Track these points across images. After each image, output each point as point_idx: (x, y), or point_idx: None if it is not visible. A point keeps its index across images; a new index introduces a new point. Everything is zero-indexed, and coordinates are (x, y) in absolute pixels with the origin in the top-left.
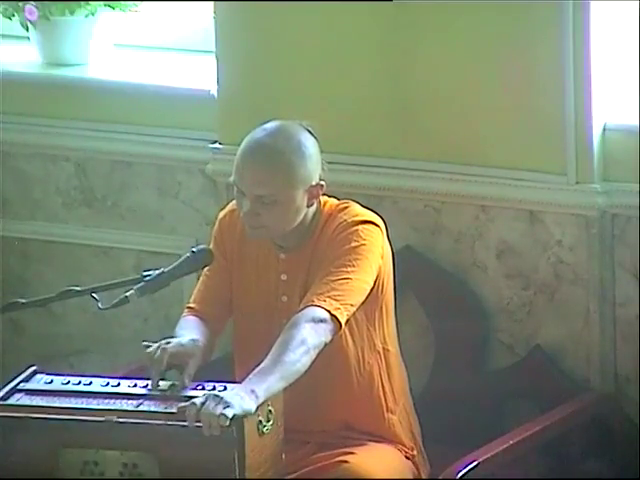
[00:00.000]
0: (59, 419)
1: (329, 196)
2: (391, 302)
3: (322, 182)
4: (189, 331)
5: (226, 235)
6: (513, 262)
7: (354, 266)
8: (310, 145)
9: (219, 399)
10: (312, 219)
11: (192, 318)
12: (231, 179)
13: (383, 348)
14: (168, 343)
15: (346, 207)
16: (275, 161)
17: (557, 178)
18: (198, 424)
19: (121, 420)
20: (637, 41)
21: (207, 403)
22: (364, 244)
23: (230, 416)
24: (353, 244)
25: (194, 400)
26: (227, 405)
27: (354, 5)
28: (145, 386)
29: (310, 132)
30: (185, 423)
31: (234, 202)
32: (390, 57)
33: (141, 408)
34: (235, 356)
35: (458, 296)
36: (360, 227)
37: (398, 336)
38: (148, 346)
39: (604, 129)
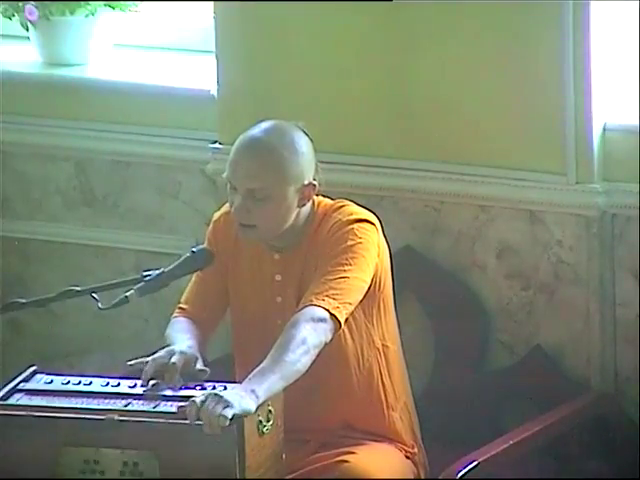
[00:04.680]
0: (59, 417)
1: (324, 196)
2: (390, 299)
3: (315, 182)
4: (181, 334)
5: (220, 236)
6: (513, 262)
7: (351, 264)
8: (303, 143)
9: (219, 398)
10: (306, 219)
11: (183, 319)
12: (224, 175)
13: (382, 345)
14: (172, 355)
15: (341, 206)
16: (267, 155)
17: (557, 178)
18: (198, 422)
19: (122, 419)
20: (637, 41)
21: (207, 402)
22: (360, 242)
23: (230, 416)
24: (349, 243)
25: (194, 399)
26: (227, 405)
27: (354, 5)
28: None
29: (305, 132)
30: (186, 421)
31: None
32: (390, 57)
33: (142, 408)
34: (235, 357)
35: (458, 296)
36: (355, 226)
37: (399, 334)
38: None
39: (604, 129)
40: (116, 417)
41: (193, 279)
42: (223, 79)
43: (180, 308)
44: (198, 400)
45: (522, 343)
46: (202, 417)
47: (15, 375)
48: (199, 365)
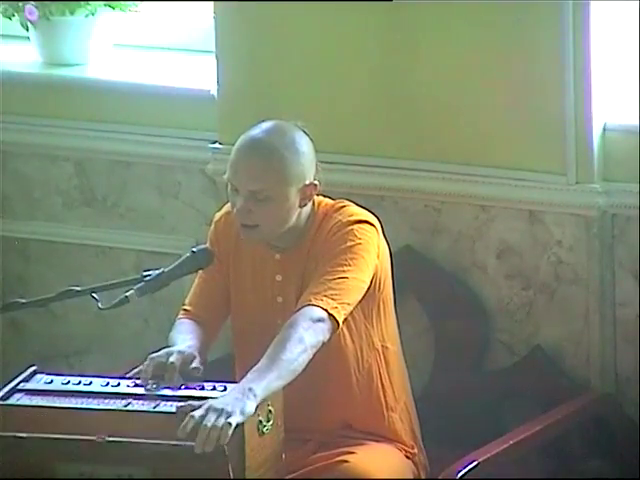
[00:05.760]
0: (50, 439)
1: (325, 196)
2: (390, 300)
3: (316, 182)
4: (183, 335)
5: (221, 237)
6: (513, 262)
7: (350, 265)
8: (304, 143)
9: (220, 411)
10: (307, 219)
11: (187, 321)
12: (225, 177)
13: (382, 346)
14: (170, 355)
15: (341, 207)
16: (269, 156)
17: (557, 178)
18: (190, 443)
19: (111, 439)
20: (637, 41)
21: (207, 417)
22: (360, 243)
23: (234, 425)
24: (349, 243)
25: (193, 413)
26: (229, 415)
27: (354, 5)
28: (145, 386)
29: (305, 132)
30: (179, 442)
31: (230, 204)
32: (390, 57)
33: (142, 408)
34: (235, 357)
35: (458, 296)
36: (355, 227)
37: (399, 334)
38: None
39: (604, 129)
40: (106, 438)
41: (196, 280)
42: (223, 79)
43: (184, 310)
44: (197, 414)
45: (522, 343)
46: (201, 433)
47: (15, 375)
48: (195, 363)
